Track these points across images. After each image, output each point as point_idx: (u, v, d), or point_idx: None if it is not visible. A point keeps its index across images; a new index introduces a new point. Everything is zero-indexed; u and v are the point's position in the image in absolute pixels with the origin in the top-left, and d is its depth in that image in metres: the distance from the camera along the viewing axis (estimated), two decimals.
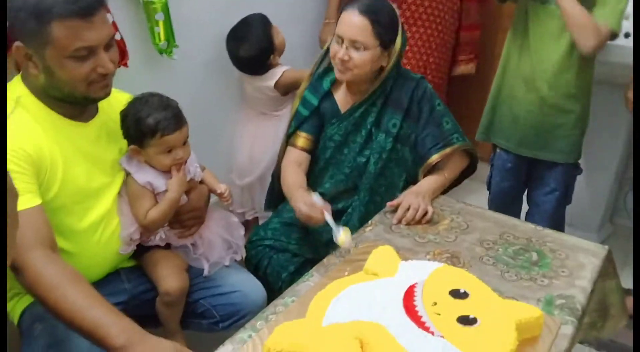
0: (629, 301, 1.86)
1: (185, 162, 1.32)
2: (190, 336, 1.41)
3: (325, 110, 1.61)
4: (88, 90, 1.13)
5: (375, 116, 1.56)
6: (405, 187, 1.55)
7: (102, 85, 1.16)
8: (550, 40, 1.66)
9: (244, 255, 1.63)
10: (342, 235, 1.30)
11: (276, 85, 2.01)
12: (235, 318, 1.38)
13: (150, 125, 1.22)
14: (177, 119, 1.25)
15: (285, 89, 2.03)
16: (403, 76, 1.58)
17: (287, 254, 1.55)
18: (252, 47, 1.95)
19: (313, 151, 1.62)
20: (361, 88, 1.56)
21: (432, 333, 0.96)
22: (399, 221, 1.40)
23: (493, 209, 1.94)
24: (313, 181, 1.61)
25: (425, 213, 1.41)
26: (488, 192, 2.00)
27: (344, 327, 0.97)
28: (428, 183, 1.53)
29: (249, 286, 1.42)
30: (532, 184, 1.91)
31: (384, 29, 1.46)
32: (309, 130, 1.61)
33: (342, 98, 1.60)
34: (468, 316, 0.99)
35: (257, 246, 1.59)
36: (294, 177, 1.55)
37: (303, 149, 1.61)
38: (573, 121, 1.74)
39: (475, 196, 2.08)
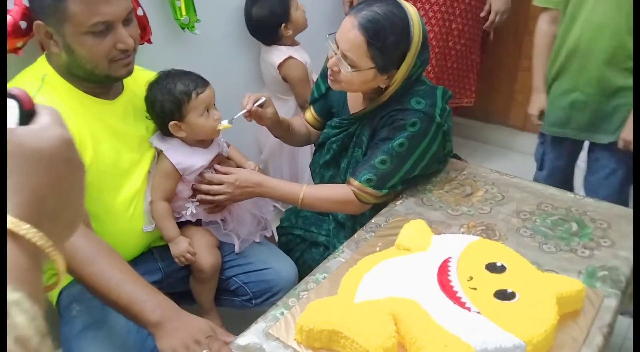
0: None
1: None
2: (224, 313, 1.43)
3: (333, 101, 1.51)
4: (109, 69, 1.12)
5: (369, 135, 1.38)
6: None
7: (124, 63, 1.15)
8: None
9: (274, 232, 1.63)
10: (225, 123, 1.28)
11: (279, 67, 1.95)
12: (268, 295, 1.38)
13: (183, 90, 1.24)
14: (202, 78, 1.28)
15: (285, 77, 1.96)
16: (407, 98, 1.31)
17: (319, 249, 1.50)
18: (264, 8, 1.89)
19: (320, 129, 1.55)
20: (372, 95, 1.37)
21: (469, 309, 0.93)
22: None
23: None
24: (316, 171, 1.55)
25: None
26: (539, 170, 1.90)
27: (377, 304, 0.95)
28: (283, 185, 1.36)
29: (280, 262, 1.42)
30: (587, 168, 1.79)
31: (382, 53, 1.22)
32: (317, 110, 1.55)
33: (353, 97, 1.44)
34: (506, 290, 0.96)
35: (287, 233, 1.57)
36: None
37: (309, 123, 1.58)
38: (631, 100, 1.60)
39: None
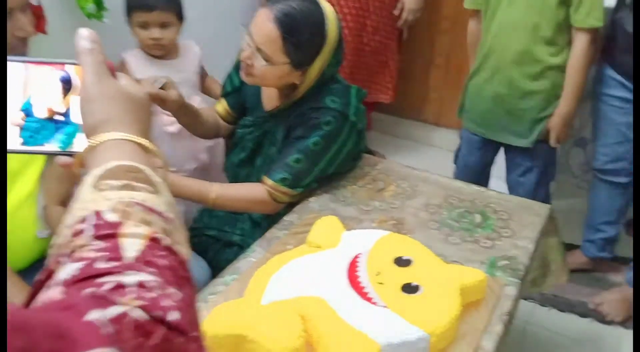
0: (571, 256, 1.92)
1: None
2: None
3: (247, 95, 1.46)
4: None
5: (283, 133, 1.36)
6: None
7: (22, 51, 1.06)
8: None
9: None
10: None
11: None
12: None
13: None
14: None
15: None
16: (322, 96, 1.29)
17: (234, 248, 1.44)
18: None
19: (231, 123, 1.51)
20: (286, 92, 1.34)
21: (375, 303, 0.94)
22: None
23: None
24: (230, 170, 1.50)
25: None
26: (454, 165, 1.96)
27: (285, 304, 0.94)
28: (191, 184, 1.29)
29: (192, 264, 1.36)
30: (506, 168, 1.85)
31: (297, 48, 1.20)
32: (230, 104, 1.49)
33: (267, 93, 1.40)
34: (411, 284, 0.98)
35: (200, 235, 1.51)
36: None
37: (220, 115, 1.50)
38: (543, 102, 1.67)
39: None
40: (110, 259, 0.40)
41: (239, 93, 1.47)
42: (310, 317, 0.90)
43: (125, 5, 1.55)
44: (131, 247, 0.41)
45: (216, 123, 1.51)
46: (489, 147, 1.83)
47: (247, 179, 1.46)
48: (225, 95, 1.50)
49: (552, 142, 1.69)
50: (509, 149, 1.79)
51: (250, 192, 1.32)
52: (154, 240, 0.43)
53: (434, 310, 0.93)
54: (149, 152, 0.54)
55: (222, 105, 1.50)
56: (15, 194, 1.13)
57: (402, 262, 1.03)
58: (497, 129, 1.75)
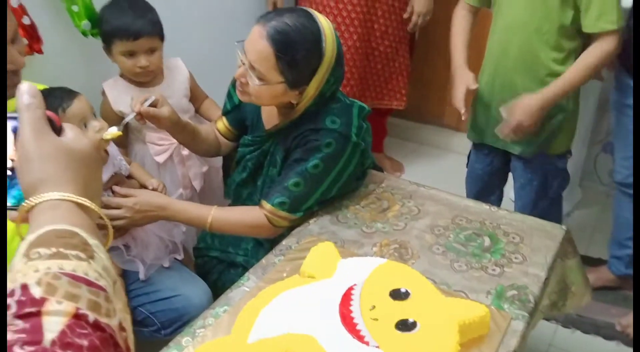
0: (597, 272, 1.81)
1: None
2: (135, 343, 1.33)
3: (247, 112, 1.41)
4: None
5: (283, 155, 1.31)
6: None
7: (12, 83, 1.03)
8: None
9: (191, 254, 1.54)
10: (114, 130, 1.12)
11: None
12: (178, 324, 1.30)
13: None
14: (68, 91, 1.17)
15: None
16: (321, 117, 1.24)
17: (238, 270, 1.40)
18: None
19: (232, 140, 1.47)
20: (285, 110, 1.29)
21: (367, 343, 0.88)
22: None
23: (468, 193, 1.85)
24: (232, 189, 1.45)
25: None
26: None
27: (272, 342, 0.89)
28: (190, 208, 1.27)
29: (191, 288, 1.34)
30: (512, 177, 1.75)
31: (291, 67, 1.15)
32: (230, 121, 1.45)
33: (267, 111, 1.35)
34: (407, 320, 0.91)
35: (203, 255, 1.48)
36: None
37: (220, 133, 1.46)
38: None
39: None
40: (27, 343, 0.39)
41: (239, 110, 1.43)
42: None
43: (103, 34, 1.45)
44: (52, 327, 0.41)
45: (216, 140, 1.48)
46: (495, 155, 1.72)
47: (249, 198, 1.42)
48: (226, 113, 1.46)
49: (499, 130, 1.52)
50: (513, 159, 1.68)
51: (248, 217, 1.28)
52: (77, 317, 0.42)
53: (429, 350, 0.86)
54: (89, 212, 0.54)
55: (222, 123, 1.47)
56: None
57: (398, 295, 0.97)
58: (496, 136, 1.63)
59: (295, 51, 1.15)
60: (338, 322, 0.92)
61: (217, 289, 1.38)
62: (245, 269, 1.41)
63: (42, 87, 1.18)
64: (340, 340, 0.89)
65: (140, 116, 1.25)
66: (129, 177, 1.30)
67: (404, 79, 2.26)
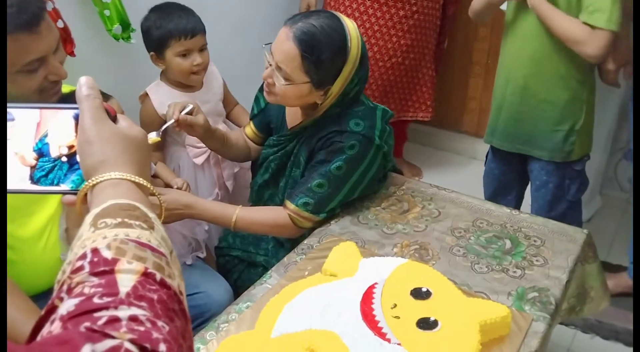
0: (616, 278, 1.79)
1: None
2: None
3: (272, 115, 1.44)
4: (39, 100, 1.05)
5: (306, 156, 1.33)
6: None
7: (54, 91, 1.07)
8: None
9: (212, 252, 1.57)
10: (153, 136, 1.22)
11: None
12: (200, 320, 1.31)
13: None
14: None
15: None
16: (345, 120, 1.26)
17: (258, 269, 1.43)
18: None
19: (260, 144, 1.50)
20: (309, 111, 1.31)
21: (389, 340, 0.89)
22: None
23: (485, 192, 1.86)
24: (255, 190, 1.48)
25: None
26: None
27: (295, 338, 0.91)
28: (216, 208, 1.30)
29: (213, 285, 1.36)
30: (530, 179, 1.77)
31: (317, 67, 1.18)
32: (256, 125, 1.49)
33: (291, 112, 1.38)
34: (428, 319, 0.92)
35: (224, 255, 1.50)
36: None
37: (249, 137, 1.51)
38: (558, 115, 1.58)
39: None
40: (105, 295, 0.43)
41: (265, 114, 1.46)
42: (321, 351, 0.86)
43: (154, 41, 1.45)
44: (125, 282, 0.44)
45: (246, 146, 1.51)
46: (512, 156, 1.74)
47: (270, 199, 1.44)
48: (253, 117, 1.50)
49: None
50: (530, 161, 1.70)
51: (272, 216, 1.30)
52: (146, 275, 0.46)
53: (451, 349, 0.87)
54: (144, 190, 0.58)
55: (250, 128, 1.51)
56: (38, 217, 1.16)
57: (419, 294, 0.98)
58: (511, 140, 1.67)
59: (320, 52, 1.17)
60: (360, 319, 0.94)
61: (238, 288, 1.41)
62: (265, 268, 1.43)
63: (73, 88, 1.22)
64: (362, 336, 0.90)
65: (177, 123, 1.29)
66: (154, 176, 1.34)
67: (429, 90, 2.26)
